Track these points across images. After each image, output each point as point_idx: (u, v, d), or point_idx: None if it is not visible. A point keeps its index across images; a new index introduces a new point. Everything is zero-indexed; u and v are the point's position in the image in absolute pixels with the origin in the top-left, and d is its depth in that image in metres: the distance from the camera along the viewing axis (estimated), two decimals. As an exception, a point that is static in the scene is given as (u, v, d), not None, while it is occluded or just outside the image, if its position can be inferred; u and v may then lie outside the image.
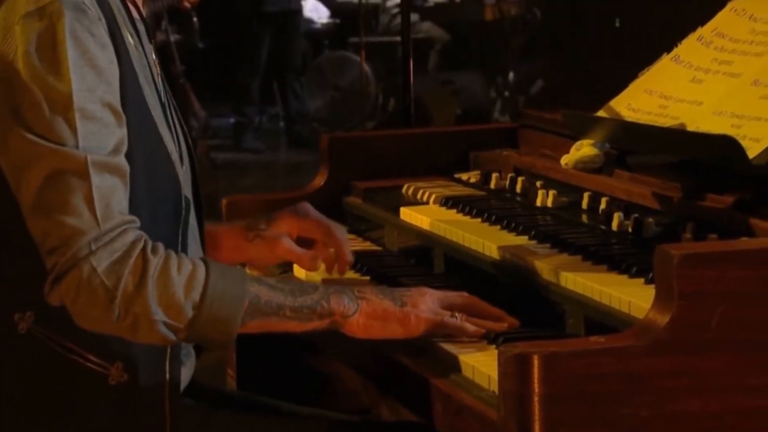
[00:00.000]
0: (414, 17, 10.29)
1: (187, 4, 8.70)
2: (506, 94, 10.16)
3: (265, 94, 10.33)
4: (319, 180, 2.85)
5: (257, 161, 9.90)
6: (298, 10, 10.01)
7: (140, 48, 2.10)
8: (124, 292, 1.88)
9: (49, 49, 1.91)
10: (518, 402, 1.72)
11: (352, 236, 2.68)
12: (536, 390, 1.70)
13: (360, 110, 10.06)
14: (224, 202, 2.72)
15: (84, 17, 1.93)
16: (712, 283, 1.75)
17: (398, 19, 10.14)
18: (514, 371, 1.72)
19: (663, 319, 1.74)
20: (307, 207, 2.42)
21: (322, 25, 11.13)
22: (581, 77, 8.56)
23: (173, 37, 9.23)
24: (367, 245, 2.64)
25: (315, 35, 11.05)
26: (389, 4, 10.33)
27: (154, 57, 2.18)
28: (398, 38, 10.02)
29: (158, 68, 2.20)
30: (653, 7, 9.04)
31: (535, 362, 1.70)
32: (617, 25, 10.39)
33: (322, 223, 2.40)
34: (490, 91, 10.29)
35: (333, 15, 11.17)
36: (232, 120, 10.35)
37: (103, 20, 1.97)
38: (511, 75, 10.25)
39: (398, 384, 2.09)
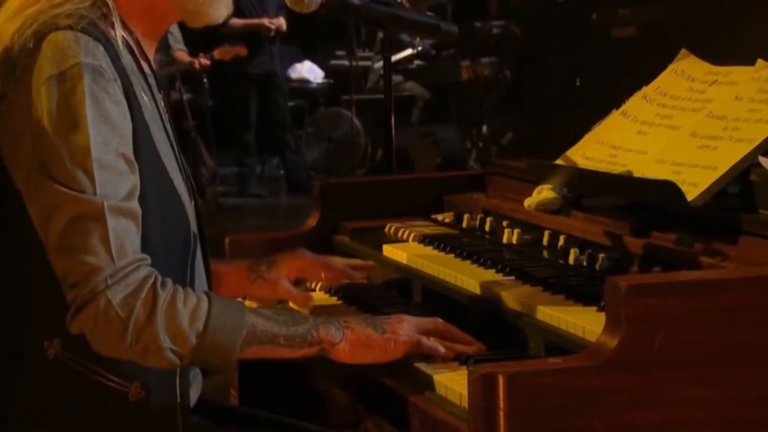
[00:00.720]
0: (398, 77, 10.34)
1: (197, 67, 8.72)
2: (480, 144, 10.14)
3: (266, 146, 10.34)
4: (312, 221, 2.85)
5: (260, 205, 9.88)
6: (276, 72, 10.00)
7: (152, 99, 2.10)
8: (136, 322, 1.88)
9: (70, 107, 1.91)
10: (486, 417, 1.72)
11: None
12: (501, 406, 1.71)
13: (351, 159, 10.07)
14: (227, 240, 2.72)
15: (101, 78, 1.94)
16: (655, 311, 1.76)
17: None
18: (482, 389, 1.72)
19: (612, 342, 1.75)
20: (304, 251, 2.44)
21: (318, 84, 11.13)
22: (546, 130, 8.60)
23: (186, 96, 9.24)
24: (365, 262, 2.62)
25: (311, 94, 11.06)
26: (376, 66, 10.33)
27: (162, 105, 2.18)
28: (383, 96, 10.05)
29: (167, 115, 2.21)
30: (608, 69, 9.11)
31: (500, 381, 1.71)
32: (578, 84, 10.44)
33: (319, 262, 2.43)
34: (466, 142, 10.28)
35: (327, 76, 11.19)
36: (237, 169, 10.36)
37: (118, 80, 1.97)
38: (484, 128, 10.24)
39: (381, 402, 2.08)
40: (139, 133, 2.00)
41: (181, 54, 8.73)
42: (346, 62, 10.23)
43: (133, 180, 1.95)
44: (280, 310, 2.18)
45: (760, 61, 2.37)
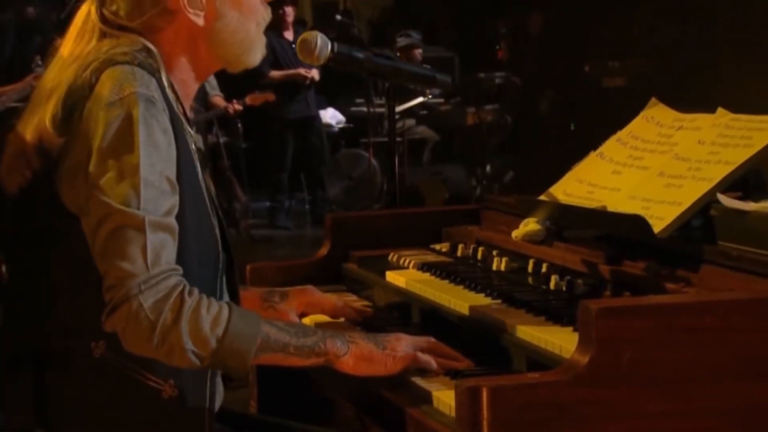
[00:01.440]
0: (411, 122, 10.38)
1: (231, 112, 8.74)
2: (484, 182, 10.15)
3: (294, 183, 10.37)
4: (324, 250, 2.85)
5: (287, 236, 9.88)
6: (313, 116, 10.02)
7: (194, 148, 2.12)
8: (163, 325, 1.88)
9: (126, 130, 1.93)
10: (472, 426, 1.71)
11: (348, 294, 2.68)
12: (485, 416, 1.70)
13: (369, 195, 10.06)
14: (249, 268, 2.71)
15: (153, 107, 1.95)
16: (623, 331, 1.75)
17: (399, 124, 10.21)
18: (468, 401, 1.72)
19: (584, 359, 1.74)
20: (313, 289, 2.43)
21: (340, 128, 11.17)
22: (544, 169, 8.61)
23: (222, 139, 9.26)
24: (361, 301, 2.63)
25: (334, 137, 11.08)
26: (392, 111, 10.40)
27: (194, 146, 2.18)
28: (399, 138, 10.13)
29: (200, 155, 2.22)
30: (599, 114, 9.12)
31: (484, 394, 1.70)
32: (572, 128, 10.45)
33: (323, 300, 2.42)
34: (472, 180, 10.29)
35: (348, 121, 11.22)
36: (267, 204, 10.37)
37: (166, 111, 1.98)
38: (488, 167, 10.26)
39: (382, 412, 2.08)
40: (182, 160, 2.00)
41: (217, 100, 8.75)
42: (364, 109, 10.23)
43: (173, 200, 1.96)
44: (293, 323, 2.17)
45: (720, 110, 2.38)
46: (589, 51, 11.01)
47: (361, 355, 2.02)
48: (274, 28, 9.06)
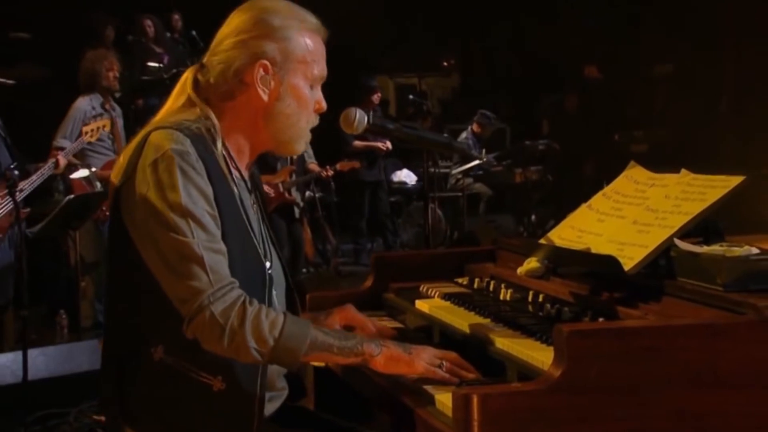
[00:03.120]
0: (469, 180, 10.37)
1: (324, 175, 8.83)
2: (530, 229, 10.07)
3: (374, 229, 10.40)
4: (368, 282, 2.87)
5: (368, 272, 9.87)
6: (383, 180, 10.11)
7: (238, 193, 2.10)
8: (231, 328, 1.91)
9: (167, 178, 1.96)
10: (465, 425, 1.72)
11: (386, 318, 2.68)
12: (476, 417, 1.71)
13: (435, 239, 10.03)
14: (308, 297, 2.72)
15: (187, 158, 1.98)
16: (590, 349, 1.75)
17: (460, 181, 10.22)
18: (462, 405, 1.73)
19: (558, 372, 1.74)
20: (351, 307, 2.44)
21: (412, 185, 11.15)
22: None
23: (318, 195, 9.34)
24: (396, 323, 2.64)
25: (407, 192, 11.12)
26: (453, 172, 10.40)
27: (251, 202, 2.19)
28: (459, 193, 10.15)
29: (258, 207, 2.23)
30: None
31: (475, 400, 1.71)
32: (605, 185, 10.35)
33: (358, 317, 2.41)
34: (520, 228, 10.22)
35: (419, 180, 11.26)
36: (353, 245, 10.43)
37: (200, 161, 2.00)
38: (533, 217, 10.17)
39: (399, 413, 2.06)
40: (221, 200, 2.02)
41: (313, 166, 8.82)
42: (432, 169, 10.25)
43: (216, 228, 1.98)
44: (337, 330, 2.19)
45: (683, 171, 2.36)
46: (619, 123, 10.97)
47: (391, 356, 2.03)
48: (363, 107, 9.15)
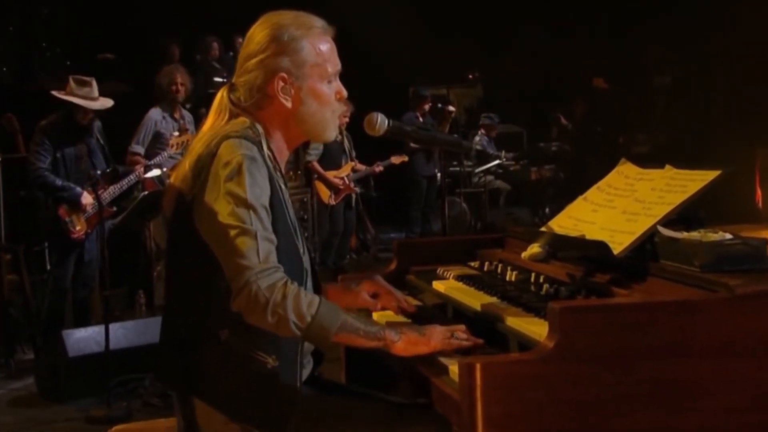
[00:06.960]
0: (491, 177, 10.31)
1: (375, 171, 8.78)
2: (544, 220, 9.96)
3: (408, 220, 10.34)
4: (392, 265, 2.84)
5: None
6: (436, 174, 9.83)
7: (283, 192, 2.11)
8: (274, 302, 1.90)
9: (236, 177, 1.97)
10: (469, 390, 1.72)
11: (409, 297, 2.63)
12: (478, 383, 1.71)
13: (461, 229, 9.98)
14: (339, 278, 2.72)
15: (254, 162, 1.99)
16: (579, 323, 1.74)
17: (482, 179, 10.15)
18: (467, 372, 1.72)
19: (551, 343, 1.73)
20: (379, 277, 2.43)
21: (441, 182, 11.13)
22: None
23: (359, 190, 9.33)
24: (416, 301, 2.61)
25: (438, 188, 11.09)
26: (476, 170, 10.32)
27: (287, 195, 2.18)
28: (482, 189, 10.07)
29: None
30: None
31: (478, 367, 1.71)
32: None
33: (385, 286, 2.40)
34: (535, 219, 10.13)
35: (447, 177, 11.15)
36: (391, 235, 10.39)
37: (265, 166, 2.02)
38: (547, 209, 10.08)
39: (419, 382, 2.06)
40: (274, 198, 2.02)
41: (359, 166, 8.80)
42: (458, 168, 10.20)
43: (269, 221, 1.99)
44: (363, 316, 2.17)
45: (668, 166, 2.31)
46: (623, 127, 10.84)
47: (409, 341, 2.01)
48: (415, 112, 9.16)
